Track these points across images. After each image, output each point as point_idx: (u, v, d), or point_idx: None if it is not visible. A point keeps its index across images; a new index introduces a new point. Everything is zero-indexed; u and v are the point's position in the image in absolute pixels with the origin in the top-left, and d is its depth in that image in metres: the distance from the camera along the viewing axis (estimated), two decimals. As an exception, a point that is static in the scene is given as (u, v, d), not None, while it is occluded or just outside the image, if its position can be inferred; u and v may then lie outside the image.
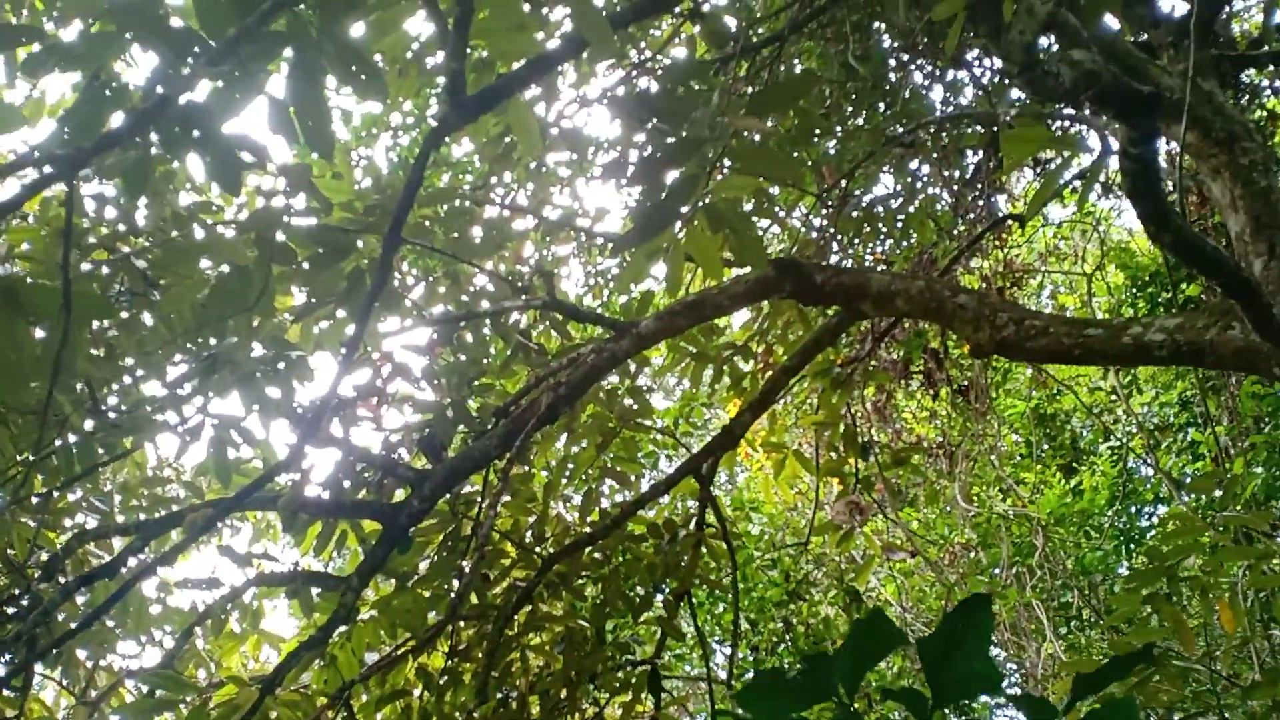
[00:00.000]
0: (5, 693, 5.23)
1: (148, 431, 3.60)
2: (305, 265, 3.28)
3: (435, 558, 4.94)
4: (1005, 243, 7.83)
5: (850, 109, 5.39)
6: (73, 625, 5.24)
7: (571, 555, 4.67)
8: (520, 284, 4.66)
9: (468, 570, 4.90)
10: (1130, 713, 1.32)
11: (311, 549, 4.91)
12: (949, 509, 9.21)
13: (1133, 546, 9.68)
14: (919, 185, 5.94)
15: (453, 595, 4.18)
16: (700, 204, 2.65)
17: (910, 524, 8.68)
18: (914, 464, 5.48)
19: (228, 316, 3.15)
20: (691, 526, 5.02)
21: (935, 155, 5.95)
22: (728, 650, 7.79)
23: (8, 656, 5.06)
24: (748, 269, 4.04)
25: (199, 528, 4.17)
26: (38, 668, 5.66)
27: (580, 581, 5.30)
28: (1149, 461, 9.61)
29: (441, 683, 5.29)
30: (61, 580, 4.46)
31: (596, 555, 5.29)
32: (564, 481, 5.21)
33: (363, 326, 3.00)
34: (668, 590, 5.23)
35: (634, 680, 5.52)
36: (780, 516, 8.74)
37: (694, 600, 5.38)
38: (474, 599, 4.99)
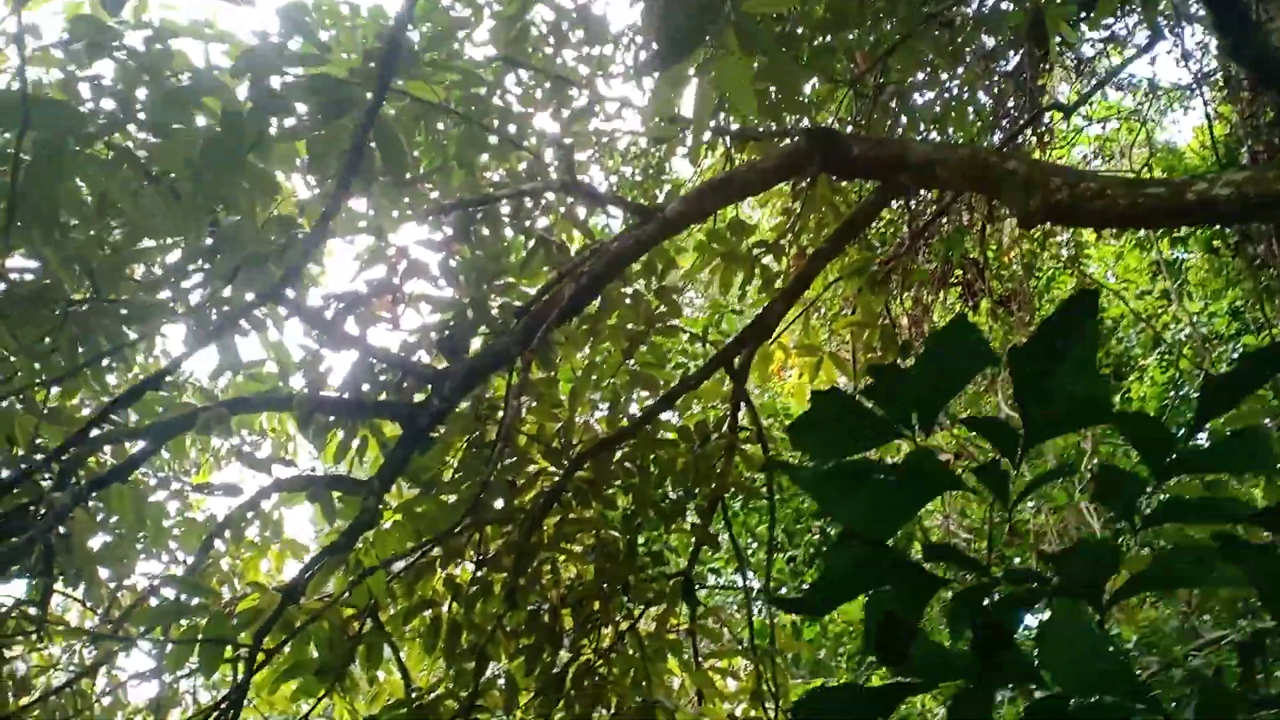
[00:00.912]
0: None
1: (153, 318, 3.46)
2: (304, 119, 3.10)
3: (459, 464, 4.80)
4: (1047, 145, 7.51)
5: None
6: (91, 543, 5.20)
7: (599, 455, 4.52)
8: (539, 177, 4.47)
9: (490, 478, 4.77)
10: (1262, 442, 1.12)
11: (333, 458, 4.78)
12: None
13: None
14: (958, 78, 5.65)
15: (478, 495, 4.04)
16: (730, 16, 2.43)
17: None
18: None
19: (225, 176, 2.98)
20: (724, 429, 4.84)
21: (975, 48, 5.66)
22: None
23: (25, 570, 5.01)
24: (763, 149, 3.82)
25: (212, 425, 4.05)
26: (59, 588, 5.62)
27: (610, 490, 5.16)
28: (1199, 370, 9.31)
29: (470, 593, 5.20)
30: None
31: (626, 464, 5.13)
32: (590, 387, 5.04)
33: (351, 173, 2.82)
34: (701, 497, 5.07)
35: (668, 591, 5.39)
36: None
37: (728, 510, 5.22)
38: (501, 504, 4.86)
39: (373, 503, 4.37)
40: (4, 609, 5.28)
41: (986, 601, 1.27)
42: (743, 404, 4.73)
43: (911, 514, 1.27)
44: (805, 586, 8.03)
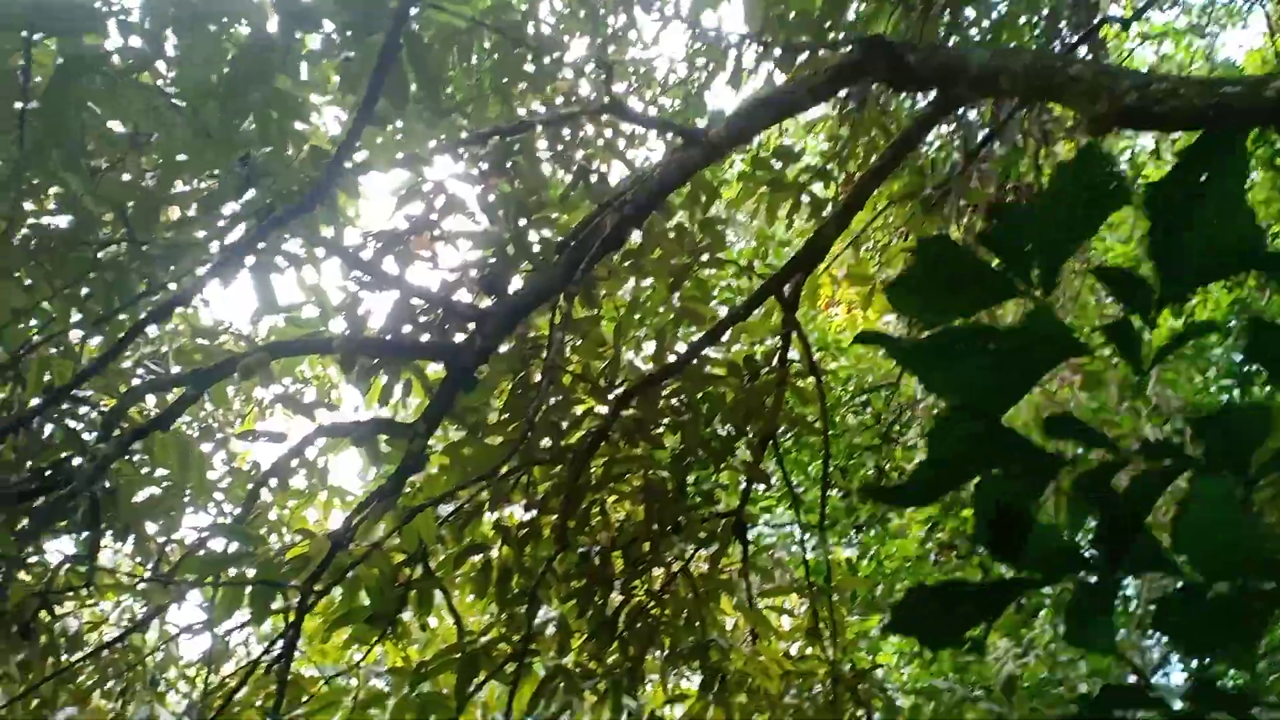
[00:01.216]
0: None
1: (187, 258, 3.37)
2: (335, 37, 2.98)
3: (504, 405, 4.71)
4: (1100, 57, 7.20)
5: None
6: (137, 497, 5.18)
7: (646, 393, 4.40)
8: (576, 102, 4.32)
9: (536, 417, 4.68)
10: None
11: (376, 401, 4.71)
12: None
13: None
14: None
15: (524, 436, 3.95)
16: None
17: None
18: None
19: (253, 98, 2.86)
20: (774, 363, 4.70)
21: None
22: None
23: (73, 526, 5.01)
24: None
25: (253, 370, 3.98)
26: (107, 543, 5.63)
27: (658, 430, 5.05)
28: (1264, 292, 9.02)
29: (519, 536, 5.13)
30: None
31: (674, 402, 5.02)
32: (634, 324, 4.91)
33: (379, 85, 2.69)
34: (751, 434, 4.95)
35: (719, 531, 5.30)
36: (869, 356, 8.34)
37: (779, 446, 5.10)
38: (547, 444, 4.77)
39: (419, 445, 4.30)
40: (54, 565, 5.30)
41: (1115, 481, 1.14)
42: (793, 335, 4.58)
43: (1030, 385, 1.13)
44: (861, 522, 7.89)
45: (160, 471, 5.11)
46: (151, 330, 5.26)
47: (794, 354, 4.94)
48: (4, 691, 5.06)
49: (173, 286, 3.52)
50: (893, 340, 1.17)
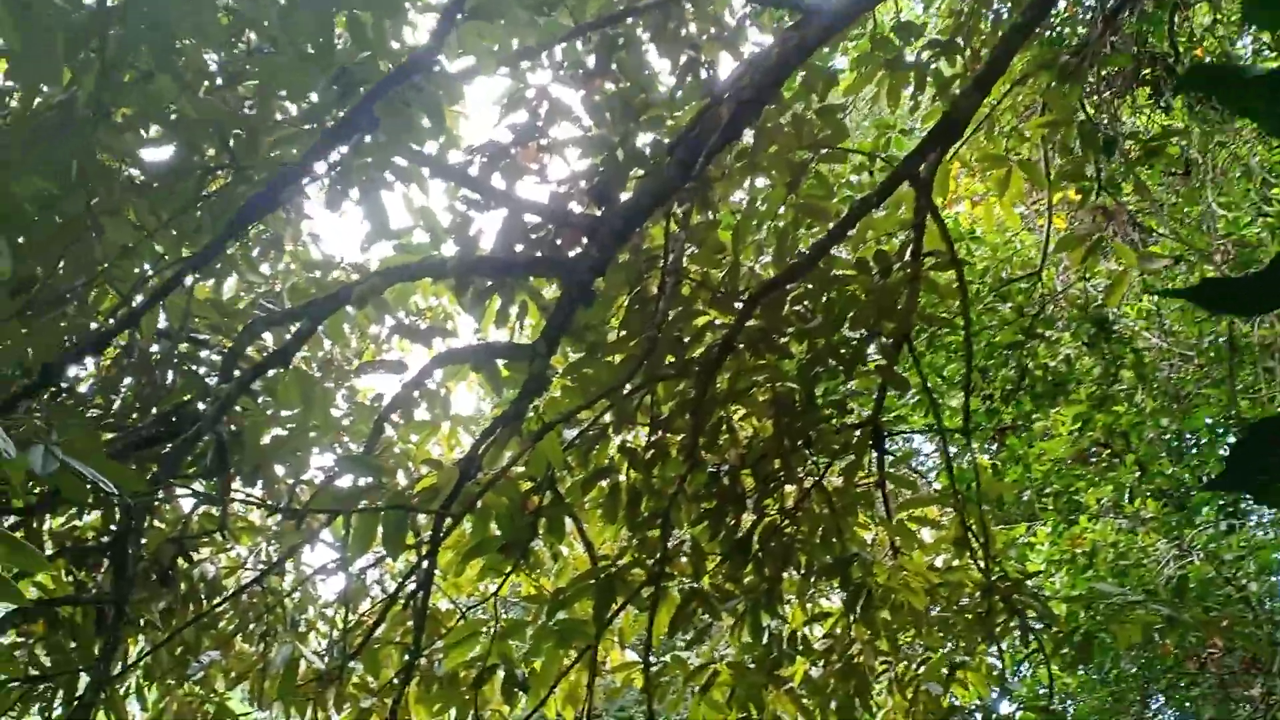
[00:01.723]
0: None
1: (291, 180, 3.23)
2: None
3: (623, 321, 4.52)
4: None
5: None
6: (264, 440, 5.16)
7: (770, 299, 4.15)
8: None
9: (658, 332, 4.48)
10: None
11: (492, 324, 4.57)
12: (1204, 227, 8.07)
13: None
14: None
15: (646, 351, 3.75)
16: None
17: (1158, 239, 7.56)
18: (1171, 153, 4.62)
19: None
20: (907, 257, 4.40)
21: None
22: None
23: (202, 472, 5.02)
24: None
25: (367, 297, 3.86)
26: (237, 487, 5.65)
27: (785, 339, 4.81)
28: None
29: (647, 458, 4.97)
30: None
31: (800, 308, 4.76)
32: (753, 227, 4.66)
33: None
34: (885, 336, 4.67)
35: (853, 442, 5.06)
36: (1006, 247, 7.87)
37: (915, 349, 4.81)
38: (670, 360, 4.57)
39: (539, 366, 4.15)
40: (187, 511, 5.34)
41: None
42: (926, 225, 4.27)
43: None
44: (1004, 426, 7.53)
45: (285, 413, 5.09)
46: (265, 269, 5.21)
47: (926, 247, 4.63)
48: (148, 639, 5.15)
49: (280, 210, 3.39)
50: (1220, 69, 0.92)
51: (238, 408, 5.06)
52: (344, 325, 4.90)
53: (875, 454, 5.20)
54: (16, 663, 4.50)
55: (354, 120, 3.21)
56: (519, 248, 4.31)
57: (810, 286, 4.73)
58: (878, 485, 5.42)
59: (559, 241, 4.32)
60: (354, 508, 4.25)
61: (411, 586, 5.10)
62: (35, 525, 4.63)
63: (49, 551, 4.94)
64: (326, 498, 4.19)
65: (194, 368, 4.81)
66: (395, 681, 4.87)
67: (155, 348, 4.84)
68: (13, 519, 4.56)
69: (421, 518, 4.95)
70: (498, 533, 4.79)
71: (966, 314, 4.27)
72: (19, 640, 4.66)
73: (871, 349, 4.79)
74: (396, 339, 5.42)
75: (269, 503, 5.88)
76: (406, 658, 4.87)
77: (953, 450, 6.10)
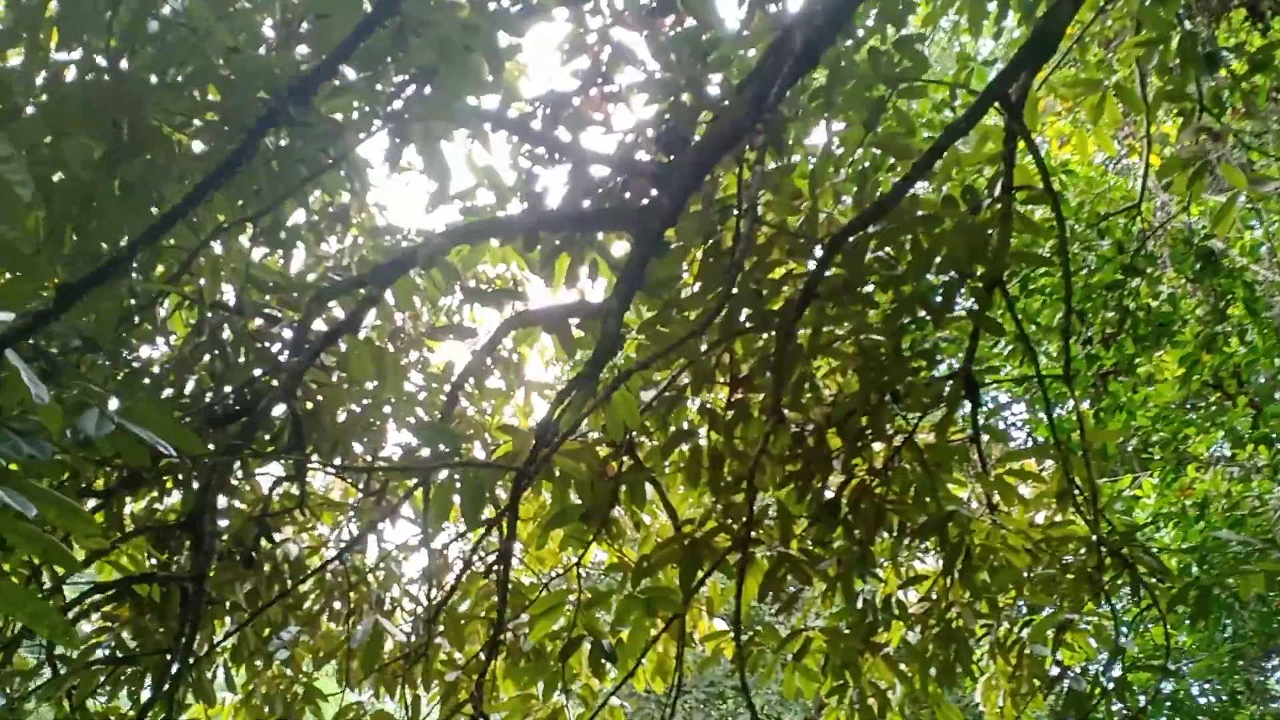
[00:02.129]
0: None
1: (348, 133, 3.10)
2: None
3: (697, 275, 4.33)
4: None
5: None
6: (340, 416, 5.08)
7: (851, 243, 3.92)
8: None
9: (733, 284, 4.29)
10: None
11: (563, 285, 4.42)
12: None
13: None
14: None
15: (722, 305, 3.56)
16: None
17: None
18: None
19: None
20: (997, 191, 4.13)
21: None
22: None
23: (279, 450, 4.96)
24: None
25: (434, 258, 3.73)
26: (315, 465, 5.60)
27: (868, 288, 4.57)
28: None
29: (728, 419, 4.78)
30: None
31: (882, 254, 4.52)
32: (831, 170, 4.42)
33: None
34: (975, 279, 4.41)
35: (945, 394, 4.80)
36: (1101, 180, 7.45)
37: (1008, 292, 4.53)
38: (748, 314, 4.37)
39: (613, 325, 3.99)
40: (266, 490, 5.30)
41: None
42: (1018, 157, 4.00)
43: None
44: (1106, 372, 7.16)
45: (363, 388, 5.01)
46: (332, 245, 5.13)
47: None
48: (234, 621, 5.12)
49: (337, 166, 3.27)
50: None
51: (312, 384, 5.01)
52: (413, 296, 4.79)
53: (969, 406, 4.94)
54: (101, 646, 4.49)
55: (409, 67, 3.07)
56: (586, 203, 4.15)
57: (894, 229, 4.49)
58: (971, 440, 5.16)
59: (628, 194, 4.15)
60: (430, 477, 4.15)
61: (492, 558, 5.00)
62: (116, 509, 4.61)
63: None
64: (403, 469, 4.08)
65: (266, 345, 4.74)
66: (481, 656, 4.78)
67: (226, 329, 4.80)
68: (94, 502, 4.56)
69: (500, 491, 4.85)
70: (577, 501, 4.65)
71: (1064, 249, 3.99)
72: (105, 624, 4.66)
73: (961, 294, 4.53)
74: (469, 311, 5.31)
75: (347, 477, 5.84)
76: (492, 631, 4.78)
77: (1051, 399, 5.78)
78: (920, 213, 4.37)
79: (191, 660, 4.62)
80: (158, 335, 4.23)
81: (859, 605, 5.27)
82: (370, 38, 2.91)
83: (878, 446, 5.13)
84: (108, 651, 4.51)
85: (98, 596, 4.27)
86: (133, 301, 3.19)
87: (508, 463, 4.19)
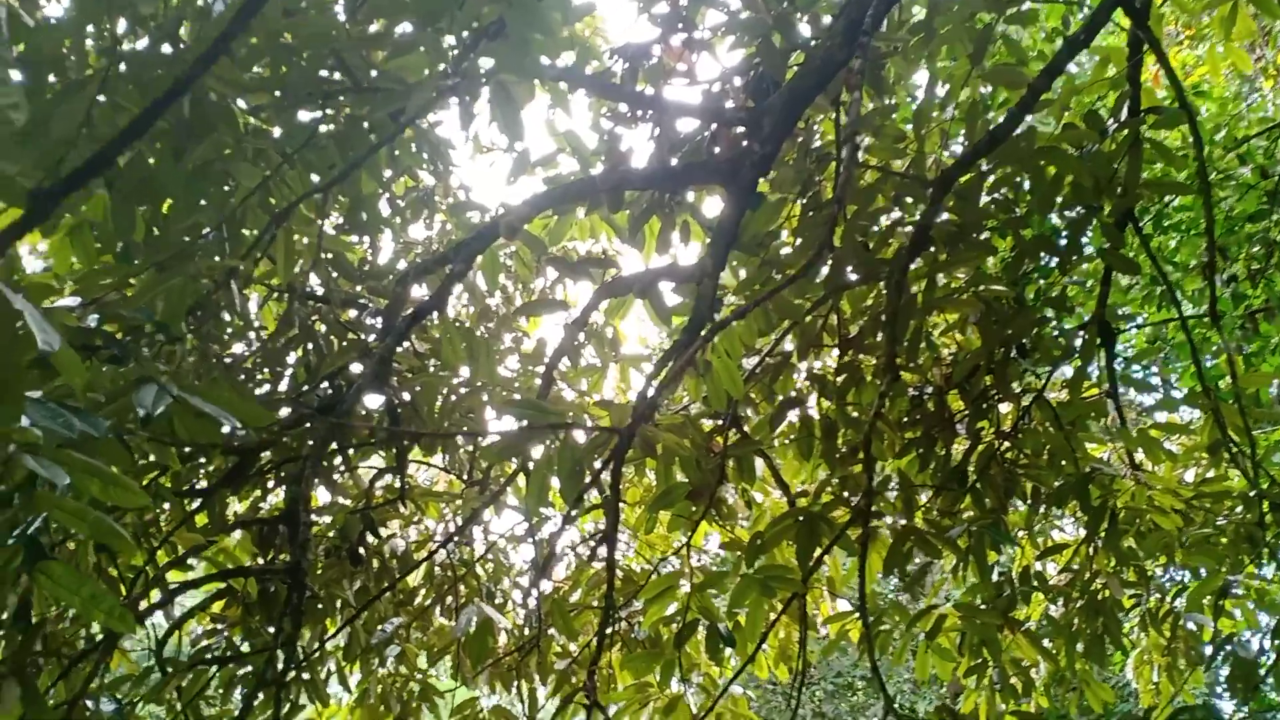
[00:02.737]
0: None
1: (418, 94, 2.92)
2: None
3: (796, 230, 4.05)
4: None
5: None
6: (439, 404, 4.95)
7: (966, 177, 3.59)
8: None
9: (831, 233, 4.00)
10: None
11: (655, 253, 4.18)
12: None
13: None
14: None
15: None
16: None
17: None
18: None
19: None
20: (1123, 115, 3.75)
21: None
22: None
23: (379, 442, 4.85)
24: None
25: (515, 227, 3.54)
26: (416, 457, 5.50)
27: (985, 234, 4.21)
28: None
29: (838, 384, 4.48)
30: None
31: (999, 195, 4.16)
32: (937, 107, 4.09)
33: None
34: (1105, 214, 4.02)
35: (1076, 344, 4.41)
36: (1237, 101, 6.83)
37: (1140, 227, 4.13)
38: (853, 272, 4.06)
39: (709, 287, 3.74)
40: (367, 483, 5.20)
41: None
42: (1144, 79, 3.60)
43: None
44: (1254, 310, 6.59)
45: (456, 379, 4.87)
46: (420, 232, 5.01)
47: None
48: (343, 617, 5.03)
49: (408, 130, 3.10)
50: None
51: (408, 374, 4.89)
52: (501, 277, 4.63)
53: (1104, 356, 4.54)
54: (211, 649, 4.44)
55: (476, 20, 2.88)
56: (673, 160, 3.90)
57: (1009, 170, 4.12)
58: (1109, 393, 4.75)
59: (717, 149, 3.89)
60: (525, 454, 3.96)
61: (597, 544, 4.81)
62: (219, 509, 4.55)
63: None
64: (498, 446, 3.90)
65: (360, 335, 4.64)
66: (593, 644, 4.58)
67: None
68: (197, 502, 4.51)
69: (603, 475, 4.64)
70: (683, 479, 4.41)
71: (1204, 173, 3.58)
72: (214, 626, 4.61)
73: (1090, 231, 4.14)
74: (561, 291, 5.12)
75: (448, 467, 5.71)
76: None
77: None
78: (1040, 145, 4.00)
79: (301, 659, 4.54)
80: (248, 330, 4.14)
81: (994, 579, 4.91)
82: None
83: (1005, 407, 4.77)
84: (217, 653, 4.45)
85: (203, 596, 4.20)
86: (205, 284, 3.07)
87: (606, 438, 3.97)
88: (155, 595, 4.19)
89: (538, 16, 2.94)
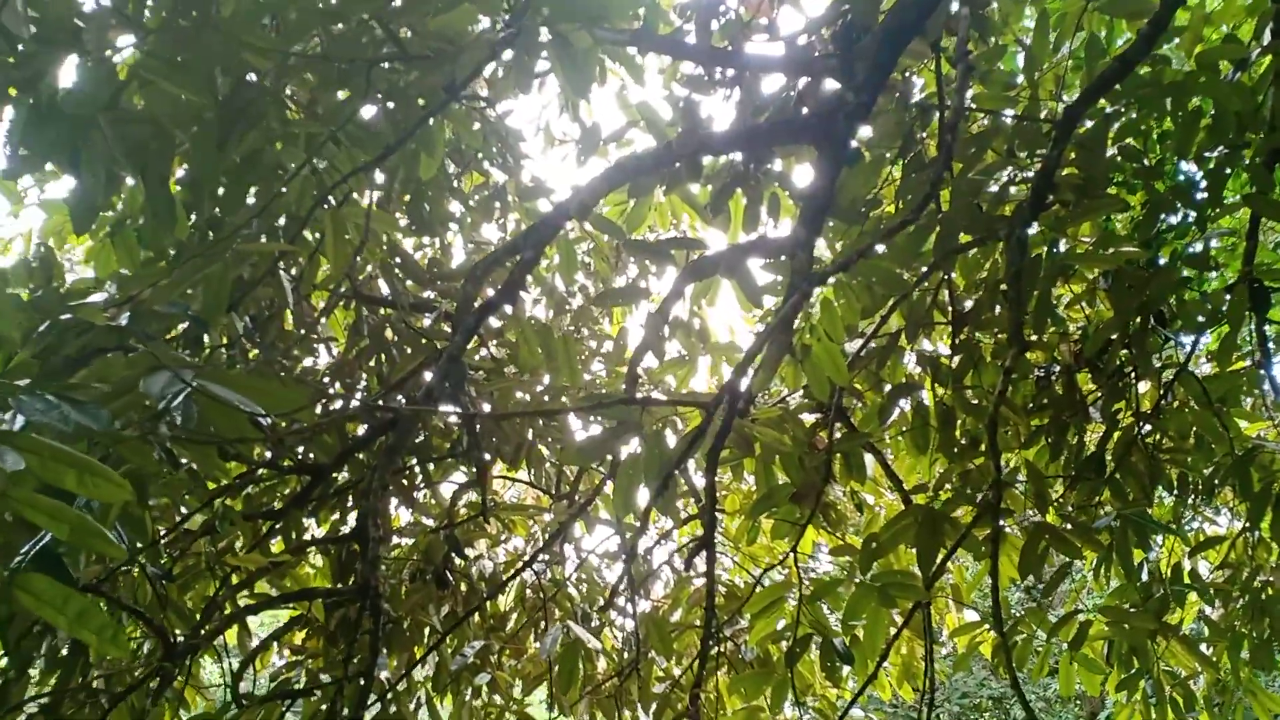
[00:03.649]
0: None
1: (467, 55, 2.64)
2: None
3: (897, 192, 3.64)
4: None
5: None
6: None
7: (1089, 105, 3.16)
8: None
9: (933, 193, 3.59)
10: None
11: (742, 230, 3.82)
12: None
13: None
14: None
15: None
16: None
17: None
18: None
19: None
20: (1265, 41, 3.28)
21: None
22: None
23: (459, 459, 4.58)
24: None
25: (588, 206, 3.22)
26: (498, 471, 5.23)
27: (1111, 189, 3.75)
28: None
29: (954, 367, 4.04)
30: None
31: (1126, 144, 3.71)
32: (1050, 49, 3.66)
33: None
34: (1252, 151, 3.54)
35: (1225, 305, 3.90)
36: None
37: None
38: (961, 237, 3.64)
39: (803, 260, 3.37)
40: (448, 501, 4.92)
41: None
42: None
43: None
44: None
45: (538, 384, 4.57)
46: (492, 233, 4.74)
47: None
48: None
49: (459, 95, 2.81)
50: None
51: (485, 379, 4.61)
52: (577, 272, 4.32)
53: (1254, 320, 4.02)
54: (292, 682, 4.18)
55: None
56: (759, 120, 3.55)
57: (1136, 115, 3.67)
58: (1260, 364, 4.22)
59: (804, 108, 3.52)
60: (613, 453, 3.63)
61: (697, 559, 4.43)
62: (294, 534, 4.31)
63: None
64: (581, 447, 3.57)
65: (433, 341, 4.38)
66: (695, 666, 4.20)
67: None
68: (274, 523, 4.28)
69: (696, 478, 4.28)
70: (785, 480, 4.02)
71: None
72: (295, 658, 4.36)
73: (1236, 171, 3.65)
74: (643, 284, 4.79)
75: (539, 486, 5.41)
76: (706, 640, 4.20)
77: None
78: (1169, 82, 3.53)
79: (386, 690, 4.25)
80: (310, 333, 3.90)
81: (1142, 579, 4.40)
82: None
83: (1144, 385, 4.27)
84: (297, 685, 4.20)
85: (278, 625, 3.95)
86: (244, 275, 2.82)
87: (693, 437, 3.61)
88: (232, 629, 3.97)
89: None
